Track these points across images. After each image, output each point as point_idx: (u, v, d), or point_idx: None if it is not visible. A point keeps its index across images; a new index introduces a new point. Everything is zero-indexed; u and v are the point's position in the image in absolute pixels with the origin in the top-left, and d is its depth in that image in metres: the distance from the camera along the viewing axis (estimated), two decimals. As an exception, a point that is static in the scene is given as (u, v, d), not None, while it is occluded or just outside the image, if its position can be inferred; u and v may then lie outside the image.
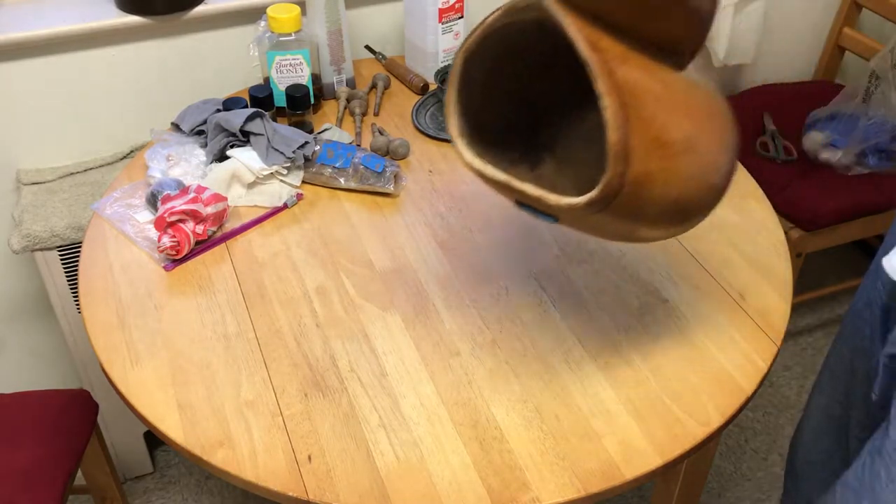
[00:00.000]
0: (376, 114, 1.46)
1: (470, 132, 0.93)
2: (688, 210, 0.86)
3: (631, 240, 0.91)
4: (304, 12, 1.47)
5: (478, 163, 0.89)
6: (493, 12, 0.86)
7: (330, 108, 1.47)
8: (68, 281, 1.46)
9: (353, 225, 1.22)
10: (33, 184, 1.49)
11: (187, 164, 1.28)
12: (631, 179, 0.78)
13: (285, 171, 1.27)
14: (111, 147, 1.56)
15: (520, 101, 0.99)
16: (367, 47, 1.60)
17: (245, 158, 1.25)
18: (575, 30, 0.77)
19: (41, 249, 1.41)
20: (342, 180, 1.27)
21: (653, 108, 0.79)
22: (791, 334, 2.07)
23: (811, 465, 1.18)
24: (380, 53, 1.58)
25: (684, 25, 0.82)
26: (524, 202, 0.87)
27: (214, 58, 1.55)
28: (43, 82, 1.45)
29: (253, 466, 0.90)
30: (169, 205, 1.15)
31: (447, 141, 1.38)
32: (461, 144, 0.91)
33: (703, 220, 0.91)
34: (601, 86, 0.76)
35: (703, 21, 0.84)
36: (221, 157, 1.28)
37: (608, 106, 0.76)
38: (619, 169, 0.77)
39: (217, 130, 1.28)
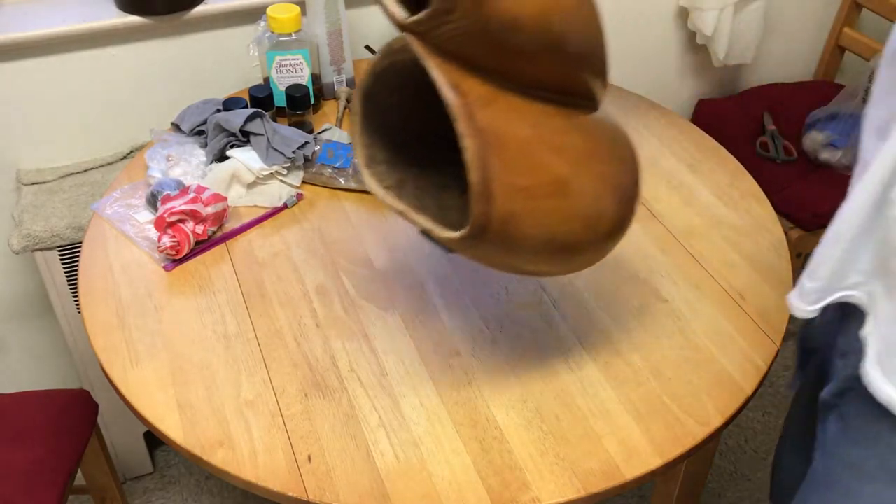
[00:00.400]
0: (376, 114, 1.46)
1: (391, 158, 0.95)
2: (569, 249, 0.87)
3: (521, 272, 0.92)
4: (304, 12, 1.47)
5: (380, 193, 0.92)
6: (378, 52, 0.89)
7: (330, 108, 1.47)
8: (68, 281, 1.46)
9: (353, 225, 1.22)
10: (33, 184, 1.49)
11: (187, 164, 1.28)
12: (497, 218, 0.80)
13: (285, 171, 1.27)
14: (111, 147, 1.56)
15: (445, 129, 1.01)
16: (367, 47, 1.60)
17: (245, 158, 1.25)
18: (438, 72, 0.79)
19: (41, 249, 1.41)
20: (342, 180, 1.27)
21: (517, 150, 0.81)
22: (791, 334, 2.07)
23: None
24: (380, 53, 1.58)
25: (566, 69, 0.82)
26: (424, 232, 0.90)
27: (214, 58, 1.55)
28: (43, 82, 1.45)
29: (253, 466, 0.90)
30: (169, 205, 1.15)
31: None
32: (367, 175, 0.94)
33: (596, 258, 0.91)
34: (461, 127, 0.78)
35: (591, 65, 0.84)
36: (221, 157, 1.28)
37: (467, 147, 0.78)
38: (482, 208, 0.79)
39: (217, 130, 1.28)
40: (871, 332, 0.78)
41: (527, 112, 0.83)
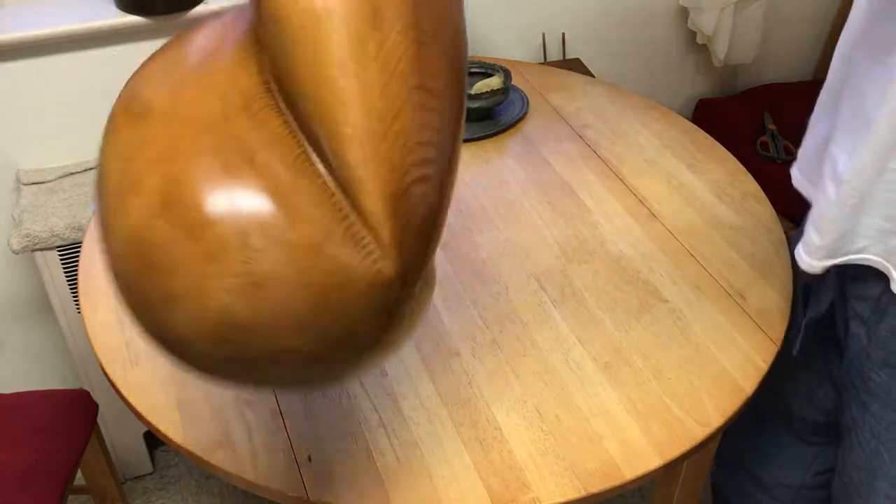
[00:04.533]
0: (376, 114, 1.45)
1: None
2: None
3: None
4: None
5: None
6: None
7: (330, 108, 1.47)
8: (68, 281, 1.46)
9: (353, 225, 1.22)
10: (33, 184, 1.49)
11: (187, 164, 1.28)
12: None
13: (285, 171, 1.26)
14: (111, 147, 1.56)
15: None
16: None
17: (245, 158, 1.24)
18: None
19: (41, 249, 1.41)
20: (342, 180, 1.27)
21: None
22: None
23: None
24: (380, 53, 1.57)
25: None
26: None
27: (214, 58, 1.54)
28: (43, 82, 1.45)
29: (253, 466, 0.90)
30: (169, 205, 1.14)
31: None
32: None
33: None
34: None
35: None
36: (221, 157, 1.27)
37: None
38: None
39: (217, 130, 1.28)
40: None
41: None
